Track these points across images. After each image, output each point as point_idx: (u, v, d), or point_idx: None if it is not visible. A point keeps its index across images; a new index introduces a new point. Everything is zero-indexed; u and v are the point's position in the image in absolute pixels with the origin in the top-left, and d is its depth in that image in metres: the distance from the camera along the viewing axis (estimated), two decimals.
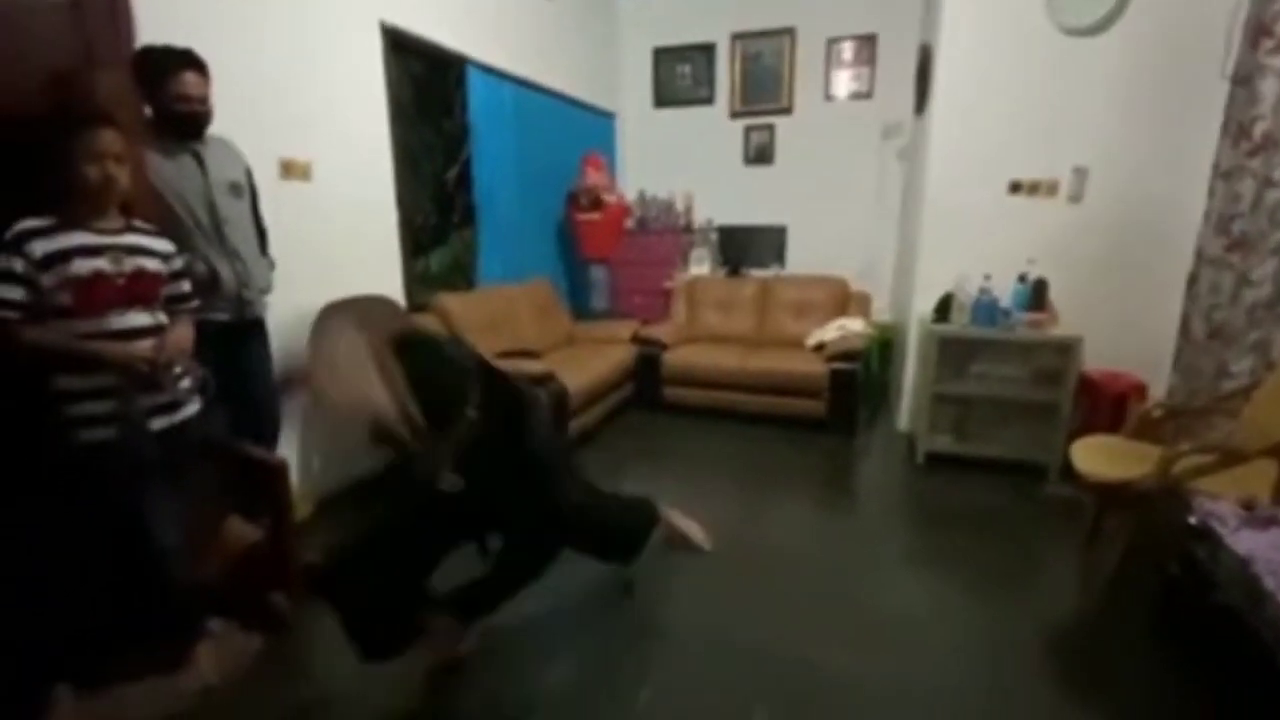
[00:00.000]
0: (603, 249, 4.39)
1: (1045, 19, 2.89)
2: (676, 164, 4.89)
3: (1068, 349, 2.79)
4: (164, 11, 1.91)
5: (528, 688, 1.71)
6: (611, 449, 3.39)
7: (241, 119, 2.11)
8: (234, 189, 2.04)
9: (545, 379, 2.97)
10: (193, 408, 1.70)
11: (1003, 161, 3.07)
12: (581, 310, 4.53)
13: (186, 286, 1.74)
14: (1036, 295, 2.94)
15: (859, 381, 3.47)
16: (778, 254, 4.57)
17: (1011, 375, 3.02)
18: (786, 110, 4.63)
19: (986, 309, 2.90)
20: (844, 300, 4.10)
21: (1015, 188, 3.08)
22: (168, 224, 1.79)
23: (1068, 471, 2.30)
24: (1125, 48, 2.82)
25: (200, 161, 1.95)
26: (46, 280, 1.43)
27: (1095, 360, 2.93)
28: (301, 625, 1.91)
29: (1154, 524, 1.95)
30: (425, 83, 3.29)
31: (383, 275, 2.99)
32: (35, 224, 1.44)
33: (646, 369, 3.82)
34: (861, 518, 2.79)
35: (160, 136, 1.87)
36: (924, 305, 3.21)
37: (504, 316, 3.48)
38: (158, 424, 1.59)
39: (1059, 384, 2.83)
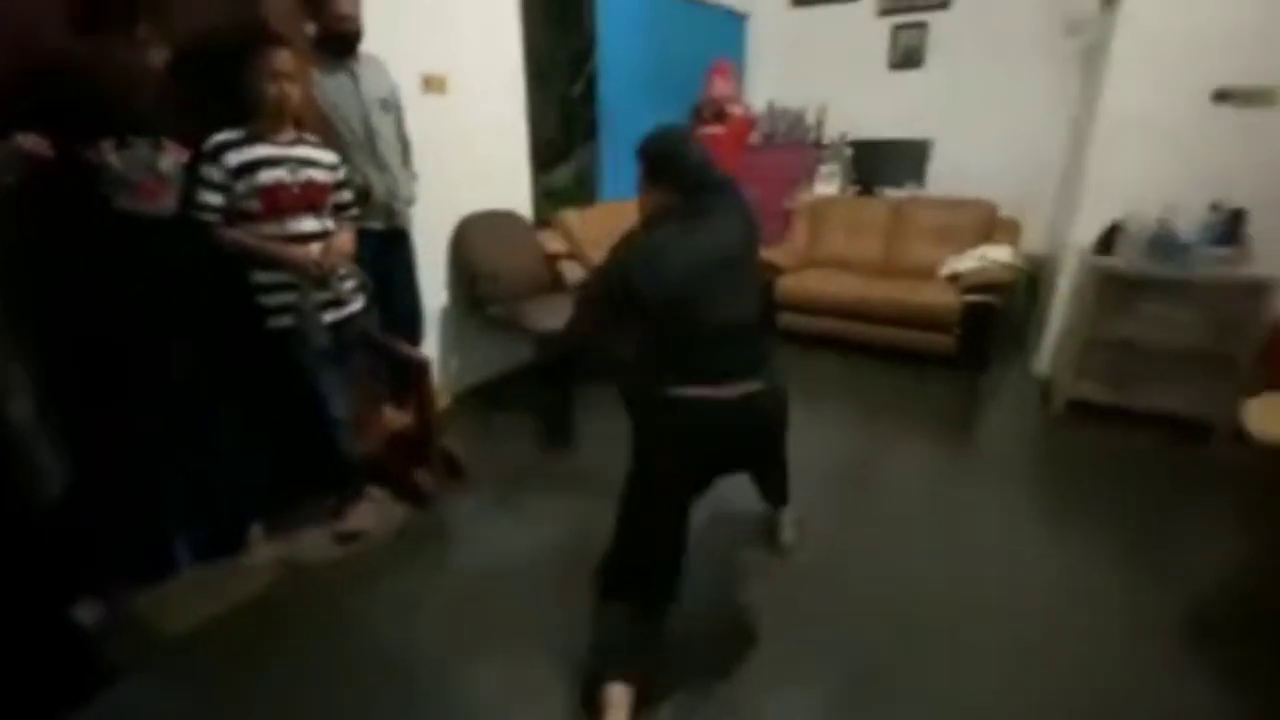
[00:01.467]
0: (724, 164, 4.23)
1: None
2: (812, 70, 4.52)
3: (1258, 291, 2.40)
4: None
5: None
6: None
7: (384, 36, 2.22)
8: (384, 105, 2.18)
9: None
10: (356, 305, 1.93)
11: (1209, 63, 2.54)
12: None
13: (348, 195, 1.93)
14: (1231, 228, 2.51)
15: (997, 317, 3.20)
16: (917, 172, 4.18)
17: (1183, 320, 2.64)
18: (943, 4, 4.09)
19: (1163, 243, 2.53)
20: (989, 226, 3.71)
21: (1222, 96, 2.57)
22: (328, 137, 1.97)
23: (1240, 434, 2.03)
24: None
25: (355, 78, 2.10)
26: (239, 187, 1.65)
27: None
28: (440, 501, 2.20)
29: None
30: None
31: (514, 189, 3.12)
32: (228, 136, 1.65)
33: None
34: (987, 464, 2.60)
35: (320, 55, 2.02)
36: (1085, 235, 2.85)
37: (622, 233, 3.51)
38: (328, 317, 1.82)
39: (1243, 333, 2.46)
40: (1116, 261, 2.63)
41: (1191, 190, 2.55)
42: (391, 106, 2.23)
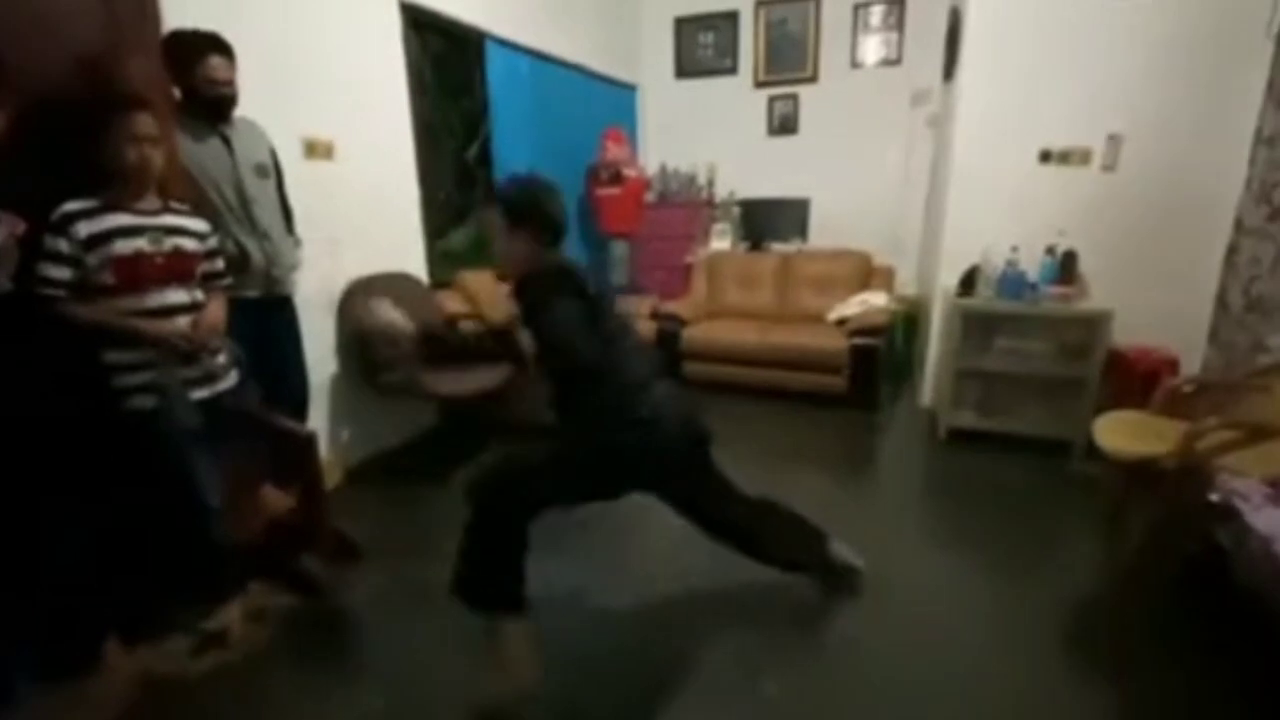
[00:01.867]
0: (622, 224, 4.38)
1: None
2: (699, 136, 4.83)
3: (1096, 323, 2.73)
4: None
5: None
6: None
7: (265, 100, 2.15)
8: (260, 170, 2.09)
9: None
10: (228, 381, 1.78)
11: (1033, 129, 2.97)
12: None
13: (220, 264, 1.81)
14: (1065, 268, 2.87)
15: (881, 356, 3.44)
16: (800, 227, 4.51)
17: (1037, 350, 2.96)
18: (812, 79, 4.53)
19: (1012, 282, 2.85)
20: (867, 274, 4.04)
21: (1045, 156, 2.98)
22: (198, 204, 1.85)
23: (1093, 449, 2.27)
24: (1165, 5, 2.68)
25: (228, 143, 2.00)
26: (91, 260, 1.50)
27: (1127, 335, 2.85)
28: (331, 589, 2.01)
29: (1178, 503, 1.92)
30: (444, 59, 3.30)
31: (406, 252, 3.05)
32: (79, 206, 1.51)
33: (666, 345, 3.84)
34: (880, 493, 2.80)
35: (189, 119, 1.92)
36: (949, 279, 3.15)
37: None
38: (195, 395, 1.67)
39: (1087, 359, 2.77)
40: (976, 301, 2.92)
41: (1033, 237, 2.89)
42: (269, 171, 2.14)
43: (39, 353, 1.50)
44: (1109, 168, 2.90)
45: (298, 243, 2.27)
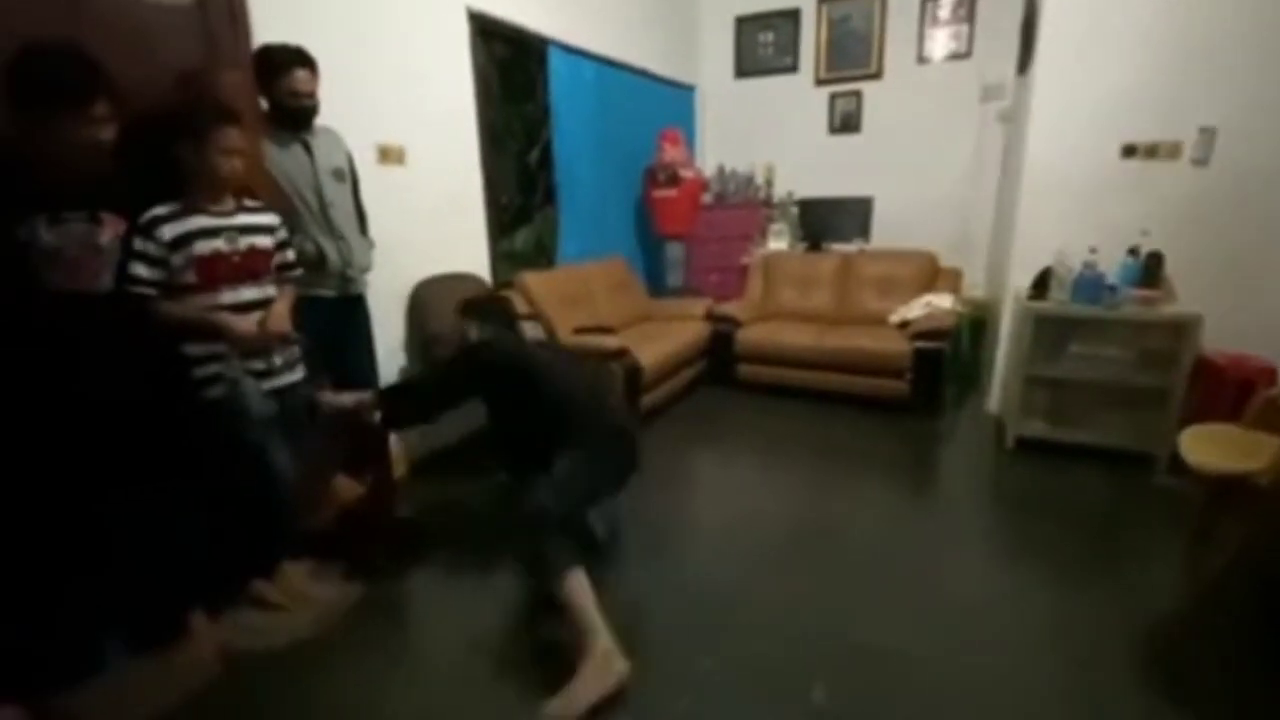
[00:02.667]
0: (679, 226, 4.39)
1: None
2: (757, 136, 4.79)
3: (1184, 328, 2.56)
4: (275, 10, 2.09)
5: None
6: (683, 425, 3.45)
7: (342, 109, 2.28)
8: (337, 174, 2.21)
9: (619, 354, 3.05)
10: (296, 374, 1.89)
11: (1115, 123, 2.80)
12: (658, 287, 4.57)
13: (291, 255, 1.93)
14: (1149, 270, 2.70)
15: (945, 361, 3.32)
16: (862, 227, 4.40)
17: (1116, 357, 2.80)
18: (876, 75, 4.42)
19: (1089, 285, 2.70)
20: (932, 275, 3.91)
21: (1129, 151, 2.81)
22: (282, 207, 1.97)
23: (1177, 463, 2.13)
24: None
25: (309, 150, 2.13)
26: (175, 260, 1.64)
27: (1217, 342, 2.66)
28: (399, 575, 2.11)
29: (1271, 523, 1.79)
30: (509, 66, 3.40)
31: (471, 254, 3.15)
32: (163, 210, 1.64)
33: (720, 346, 3.82)
34: (942, 503, 2.69)
35: (274, 127, 2.05)
36: (1020, 281, 3.02)
37: (581, 294, 3.58)
38: (265, 385, 1.79)
39: (1172, 367, 2.60)
40: (1049, 304, 2.78)
41: (1114, 237, 2.73)
42: (346, 176, 2.26)
43: (134, 345, 1.63)
44: (1200, 162, 2.71)
45: (371, 244, 2.39)
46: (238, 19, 1.96)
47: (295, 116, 2.08)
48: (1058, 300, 2.77)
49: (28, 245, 1.42)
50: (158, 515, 1.70)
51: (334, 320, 2.22)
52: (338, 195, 2.21)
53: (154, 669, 1.67)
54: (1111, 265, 2.71)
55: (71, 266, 1.47)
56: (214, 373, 1.71)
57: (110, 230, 1.55)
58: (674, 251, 4.52)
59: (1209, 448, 1.99)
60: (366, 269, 2.36)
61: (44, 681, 1.54)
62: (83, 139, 1.44)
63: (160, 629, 1.74)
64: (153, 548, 1.70)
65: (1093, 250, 2.70)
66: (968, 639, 1.76)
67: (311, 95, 2.09)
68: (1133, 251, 2.72)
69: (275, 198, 1.98)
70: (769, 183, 4.72)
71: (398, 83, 2.65)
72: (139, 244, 1.61)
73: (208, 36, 1.90)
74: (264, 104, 2.04)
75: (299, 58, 2.04)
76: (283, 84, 2.03)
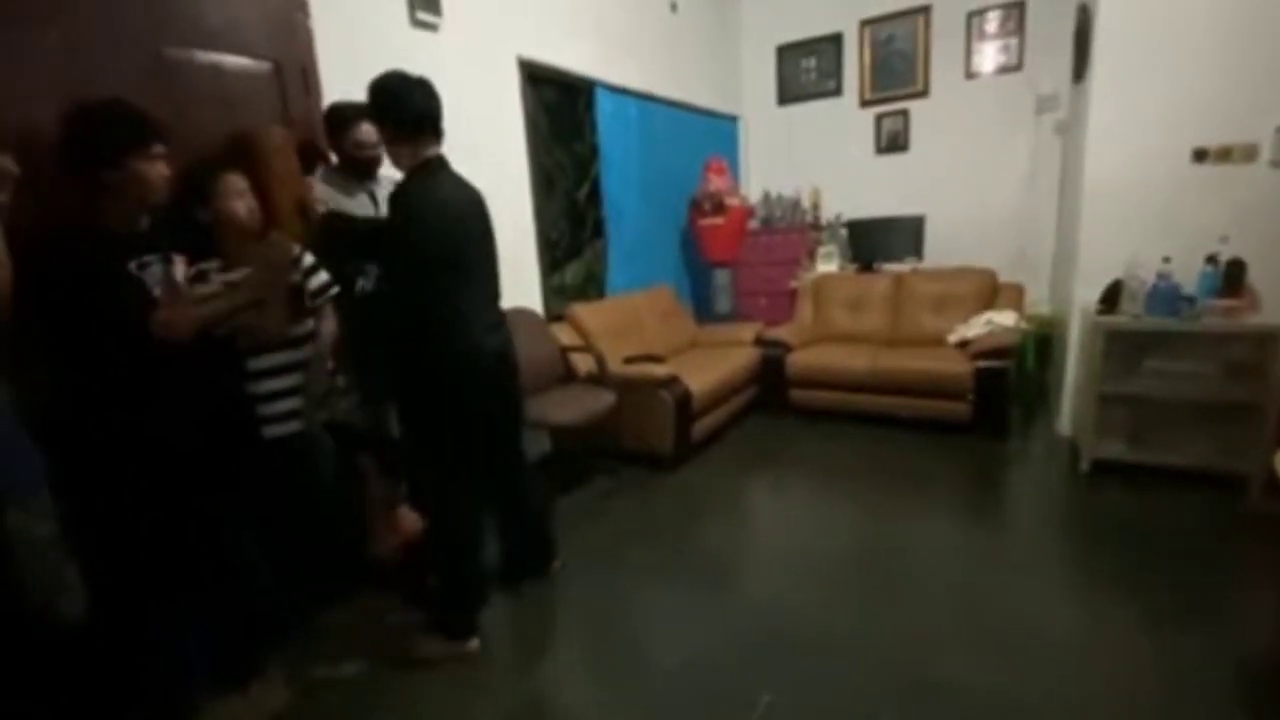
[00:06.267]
0: (725, 252, 4.41)
1: None
2: (802, 160, 4.80)
3: (1271, 339, 2.39)
4: (342, 70, 2.25)
5: (651, 679, 1.79)
6: (737, 451, 3.41)
7: None
8: None
9: (669, 381, 3.07)
10: (346, 402, 1.98)
11: (1180, 126, 2.68)
12: (705, 314, 4.58)
13: (325, 276, 1.96)
14: (1231, 278, 2.54)
15: (1010, 380, 3.19)
16: (915, 246, 4.31)
17: (1197, 371, 2.62)
18: (922, 93, 4.38)
19: (1165, 296, 2.56)
20: (991, 292, 3.78)
21: (1200, 155, 2.67)
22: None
23: (1275, 484, 1.96)
24: None
25: (373, 198, 2.27)
26: None
27: None
28: None
29: None
30: (557, 108, 3.54)
31: (524, 289, 3.26)
32: (204, 267, 1.72)
33: (771, 371, 3.79)
34: (1016, 530, 2.55)
35: (340, 177, 2.20)
36: (1088, 295, 2.88)
37: (630, 323, 3.63)
38: (323, 417, 1.88)
39: (1263, 381, 2.42)
40: (1121, 318, 2.65)
41: (1188, 245, 2.59)
42: None
43: (214, 387, 1.72)
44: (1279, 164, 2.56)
45: None
46: (308, 78, 2.14)
47: (361, 167, 2.23)
48: (1130, 314, 2.63)
49: (139, 285, 1.52)
50: (239, 553, 1.76)
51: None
52: None
53: (233, 703, 1.71)
54: (1187, 275, 2.56)
55: (157, 305, 1.55)
56: (288, 409, 1.81)
57: (181, 267, 1.64)
58: (721, 278, 4.53)
59: None
60: None
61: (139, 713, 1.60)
62: (151, 176, 1.53)
63: (239, 666, 1.78)
64: (235, 584, 1.75)
65: (1166, 260, 2.56)
66: (1065, 679, 1.64)
67: (375, 146, 2.22)
68: (1211, 259, 2.57)
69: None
70: (815, 206, 4.70)
71: (453, 129, 2.76)
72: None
73: (283, 97, 2.08)
74: (334, 157, 2.20)
75: (364, 112, 2.18)
76: (349, 137, 2.18)
